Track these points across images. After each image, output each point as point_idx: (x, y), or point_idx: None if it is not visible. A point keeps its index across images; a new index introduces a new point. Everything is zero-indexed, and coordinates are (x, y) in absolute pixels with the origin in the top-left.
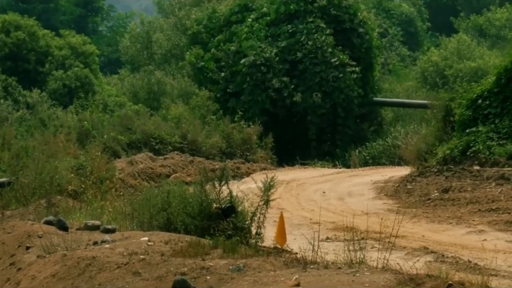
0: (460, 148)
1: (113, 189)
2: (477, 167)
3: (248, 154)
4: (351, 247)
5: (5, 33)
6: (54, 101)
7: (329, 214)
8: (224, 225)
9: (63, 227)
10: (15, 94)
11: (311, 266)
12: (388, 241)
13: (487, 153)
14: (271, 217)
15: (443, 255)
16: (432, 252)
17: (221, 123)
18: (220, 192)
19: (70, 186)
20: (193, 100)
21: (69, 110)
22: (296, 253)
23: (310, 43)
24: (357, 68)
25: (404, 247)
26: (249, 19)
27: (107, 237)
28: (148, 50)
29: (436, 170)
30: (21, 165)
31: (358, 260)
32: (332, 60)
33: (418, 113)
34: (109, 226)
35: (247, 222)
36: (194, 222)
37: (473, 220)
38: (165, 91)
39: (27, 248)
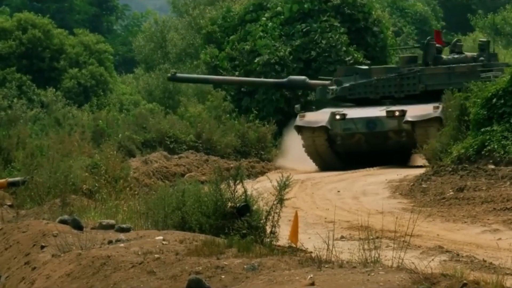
0: (475, 147)
1: (128, 188)
2: (492, 166)
3: (263, 153)
4: (365, 246)
5: (22, 31)
6: (68, 100)
7: (343, 213)
8: (238, 224)
9: (77, 226)
10: (29, 93)
11: (326, 265)
12: (403, 240)
13: (502, 152)
14: (285, 216)
15: (458, 254)
16: (447, 251)
17: (236, 122)
18: (235, 191)
19: (84, 185)
20: (208, 100)
21: (84, 109)
22: (311, 252)
23: (324, 42)
24: None
25: (419, 246)
26: (264, 18)
27: (121, 236)
28: (162, 49)
29: (451, 169)
30: (35, 164)
31: (373, 259)
32: (347, 59)
33: None
34: (124, 225)
35: (261, 221)
36: (209, 221)
37: (488, 219)
38: (180, 90)
39: (42, 247)
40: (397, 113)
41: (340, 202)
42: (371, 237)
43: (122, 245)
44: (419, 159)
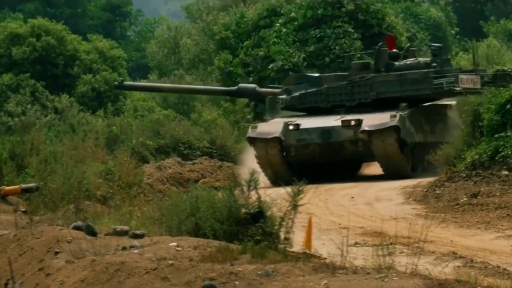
0: (489, 153)
1: (142, 194)
2: (506, 172)
3: None
4: (379, 252)
5: (36, 37)
6: (82, 106)
7: (357, 219)
8: (252, 230)
9: (91, 232)
10: (42, 99)
11: (340, 271)
12: (417, 246)
13: None
14: (299, 222)
15: (472, 260)
16: (460, 257)
17: None
18: (249, 197)
19: (98, 191)
20: (222, 105)
21: (98, 115)
22: (325, 258)
23: (338, 48)
24: None
25: (432, 252)
26: (277, 24)
27: (135, 242)
28: (175, 55)
29: (464, 175)
30: (49, 170)
31: (386, 265)
32: None
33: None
34: (138, 231)
35: (275, 227)
36: (223, 227)
37: (502, 225)
38: (194, 96)
39: (56, 253)
40: (352, 123)
41: (354, 208)
42: (385, 243)
43: (136, 251)
44: (375, 168)
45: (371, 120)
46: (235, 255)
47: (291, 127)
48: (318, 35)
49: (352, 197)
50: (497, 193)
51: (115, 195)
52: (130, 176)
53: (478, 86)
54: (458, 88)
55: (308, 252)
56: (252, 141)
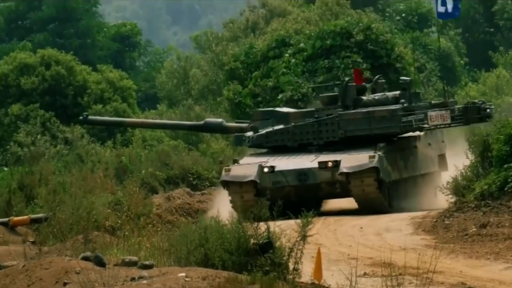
0: (498, 183)
1: (150, 225)
2: None
3: None
4: (388, 283)
5: (45, 67)
6: (92, 137)
7: (366, 249)
8: (261, 261)
9: (100, 263)
10: (53, 129)
11: None
12: (426, 277)
13: None
14: (308, 252)
15: None
16: (470, 287)
17: None
18: (258, 228)
19: (107, 222)
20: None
21: (107, 146)
22: None
23: (347, 78)
24: None
25: (442, 283)
26: (286, 55)
27: (144, 273)
28: (185, 86)
29: (473, 205)
30: (58, 200)
31: None
32: None
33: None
34: (147, 262)
35: (284, 258)
36: (232, 258)
37: (511, 256)
38: None
39: (65, 284)
40: (330, 164)
41: (363, 238)
42: (394, 273)
43: (145, 282)
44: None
45: (349, 161)
46: (244, 286)
47: (265, 170)
48: (327, 66)
49: (361, 228)
50: (507, 224)
51: (124, 226)
52: (139, 206)
53: (448, 121)
54: (426, 126)
55: (317, 282)
56: (226, 184)
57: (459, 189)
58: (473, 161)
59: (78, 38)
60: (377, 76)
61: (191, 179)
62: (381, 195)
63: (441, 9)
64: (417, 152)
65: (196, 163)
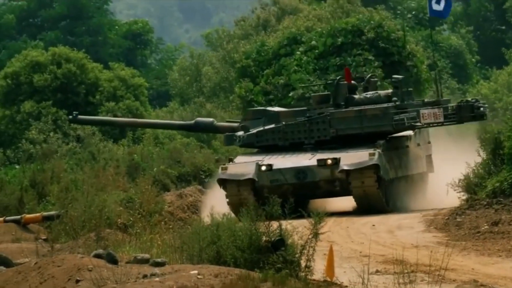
0: (510, 181)
1: (162, 222)
2: None
3: None
4: (400, 280)
5: (57, 65)
6: (104, 135)
7: (378, 247)
8: (273, 258)
9: (112, 260)
10: (64, 127)
11: None
12: (438, 274)
13: None
14: (320, 250)
15: None
16: (482, 285)
17: None
18: (270, 225)
19: (119, 219)
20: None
21: (121, 143)
22: (346, 286)
23: (358, 76)
24: None
25: (453, 280)
26: (298, 52)
27: (156, 270)
28: (197, 83)
29: (485, 203)
30: (70, 198)
31: None
32: None
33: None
34: (159, 260)
35: (296, 255)
36: (244, 255)
37: None
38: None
39: (77, 281)
40: (329, 162)
41: (375, 236)
42: (406, 271)
43: (157, 279)
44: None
45: (349, 159)
46: (256, 283)
47: (263, 168)
48: (338, 63)
49: (373, 225)
50: None
51: (136, 223)
52: (151, 204)
53: (441, 119)
54: (419, 124)
55: (329, 280)
56: (223, 183)
57: (471, 186)
58: (485, 158)
59: (89, 35)
60: (369, 75)
61: (203, 176)
62: (380, 194)
63: (436, 7)
64: (409, 152)
65: (208, 161)
